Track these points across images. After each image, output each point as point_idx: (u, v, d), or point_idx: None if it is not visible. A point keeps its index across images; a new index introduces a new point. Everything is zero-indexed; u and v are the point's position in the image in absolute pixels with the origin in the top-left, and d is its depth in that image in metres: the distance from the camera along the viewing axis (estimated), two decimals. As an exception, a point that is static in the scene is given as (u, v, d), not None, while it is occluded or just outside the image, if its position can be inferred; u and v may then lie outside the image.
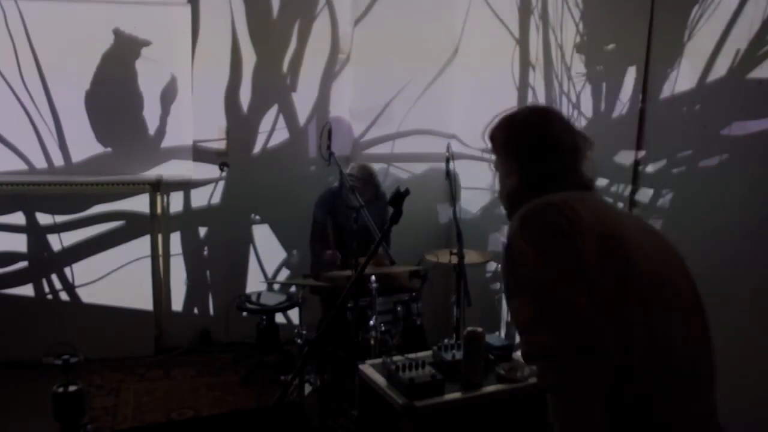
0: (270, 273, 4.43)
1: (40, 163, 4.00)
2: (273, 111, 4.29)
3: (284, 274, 4.46)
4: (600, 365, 1.21)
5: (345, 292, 2.26)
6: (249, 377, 3.87)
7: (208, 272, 4.39)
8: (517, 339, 1.31)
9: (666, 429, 1.27)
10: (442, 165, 3.47)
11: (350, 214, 3.35)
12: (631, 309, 1.25)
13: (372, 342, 3.07)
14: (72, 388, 2.91)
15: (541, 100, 3.58)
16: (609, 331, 1.22)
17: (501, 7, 3.95)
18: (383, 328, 3.18)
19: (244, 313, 3.99)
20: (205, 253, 4.35)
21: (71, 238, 4.04)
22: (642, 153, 2.78)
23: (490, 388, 2.33)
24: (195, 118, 4.16)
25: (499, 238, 4.03)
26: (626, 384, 1.23)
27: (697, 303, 1.41)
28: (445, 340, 2.59)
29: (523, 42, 3.76)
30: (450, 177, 3.38)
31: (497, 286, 4.09)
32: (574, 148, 1.49)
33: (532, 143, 1.50)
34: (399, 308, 3.36)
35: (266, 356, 3.94)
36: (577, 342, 1.21)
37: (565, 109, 3.31)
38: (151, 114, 4.12)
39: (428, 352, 2.59)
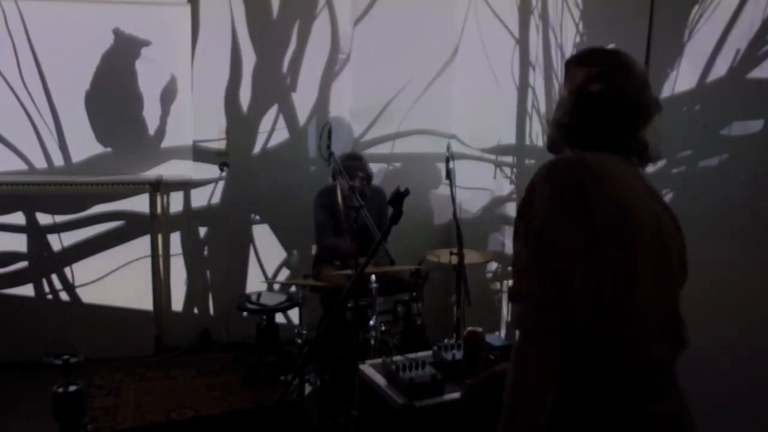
0: (270, 273, 4.43)
1: (40, 163, 4.01)
2: (273, 111, 4.29)
3: (284, 274, 4.46)
4: (567, 322, 1.28)
5: (345, 292, 2.26)
6: (249, 377, 3.87)
7: (208, 272, 4.39)
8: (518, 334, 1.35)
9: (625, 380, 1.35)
10: (442, 165, 3.46)
11: (350, 214, 3.35)
12: (623, 279, 1.31)
13: (372, 342, 3.07)
14: (72, 388, 2.92)
15: (541, 100, 3.58)
16: (590, 292, 1.28)
17: (501, 7, 3.95)
18: (383, 328, 3.18)
19: (244, 313, 3.99)
20: (205, 253, 4.35)
21: (71, 238, 4.04)
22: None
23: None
24: (195, 118, 4.16)
25: (499, 238, 4.03)
26: (590, 340, 1.31)
27: (682, 276, 1.47)
28: (445, 340, 2.59)
29: (523, 42, 3.76)
30: (450, 177, 3.38)
31: (497, 286, 4.09)
32: (644, 113, 1.45)
33: (606, 96, 1.44)
34: (399, 308, 3.36)
35: (266, 356, 3.94)
36: (557, 297, 1.28)
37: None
38: (151, 114, 4.12)
39: (428, 352, 2.59)
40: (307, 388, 3.27)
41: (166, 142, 4.17)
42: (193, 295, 4.35)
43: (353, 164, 3.73)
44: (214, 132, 4.20)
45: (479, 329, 2.37)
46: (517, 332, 1.34)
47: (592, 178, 1.32)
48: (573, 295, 1.28)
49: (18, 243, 3.99)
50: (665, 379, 1.42)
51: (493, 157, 4.07)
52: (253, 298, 4.00)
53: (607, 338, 1.32)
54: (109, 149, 4.09)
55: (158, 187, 4.13)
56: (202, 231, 4.32)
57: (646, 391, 1.37)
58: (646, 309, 1.35)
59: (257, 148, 4.30)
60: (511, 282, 1.40)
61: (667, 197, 2.66)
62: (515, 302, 1.35)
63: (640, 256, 1.33)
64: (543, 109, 3.56)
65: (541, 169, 1.37)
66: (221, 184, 4.27)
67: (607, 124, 1.44)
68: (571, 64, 1.55)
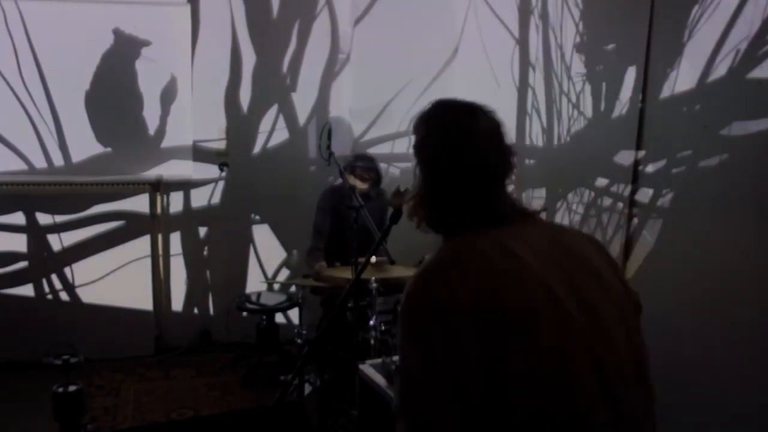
0: (270, 273, 4.43)
1: (40, 163, 4.00)
2: (273, 111, 4.29)
3: (284, 274, 4.46)
4: None
5: (345, 292, 2.26)
6: (249, 377, 3.87)
7: (208, 272, 4.39)
8: None
9: None
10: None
11: (350, 214, 3.35)
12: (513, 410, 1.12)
13: (372, 342, 3.07)
14: (72, 388, 2.92)
15: (541, 100, 3.58)
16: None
17: (501, 7, 3.95)
18: (383, 328, 3.18)
19: (244, 313, 3.99)
20: (205, 253, 4.35)
21: (71, 238, 4.04)
22: (642, 153, 2.78)
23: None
24: (195, 118, 4.16)
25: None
26: None
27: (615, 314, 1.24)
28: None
29: (523, 42, 3.76)
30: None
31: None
32: (502, 167, 1.29)
33: (450, 159, 1.26)
34: (399, 308, 3.35)
35: (266, 356, 3.94)
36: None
37: (565, 109, 3.31)
38: (151, 114, 4.12)
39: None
40: (307, 388, 3.26)
41: (166, 142, 4.17)
42: (193, 295, 4.35)
43: (365, 164, 3.70)
44: (214, 132, 4.20)
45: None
46: None
47: (445, 287, 1.16)
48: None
49: (18, 243, 3.99)
50: None
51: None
52: (253, 298, 4.00)
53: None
54: (109, 149, 4.09)
55: (158, 187, 4.13)
56: (202, 231, 4.32)
57: None
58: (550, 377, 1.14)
59: (257, 148, 4.30)
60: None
61: (668, 197, 2.66)
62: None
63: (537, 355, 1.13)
64: (543, 109, 3.56)
65: (407, 292, 1.23)
66: (221, 184, 4.27)
67: (456, 187, 1.27)
68: (414, 127, 1.37)
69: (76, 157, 4.05)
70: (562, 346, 1.15)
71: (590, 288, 1.23)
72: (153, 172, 4.15)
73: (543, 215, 1.35)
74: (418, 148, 1.33)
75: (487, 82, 4.07)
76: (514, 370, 1.12)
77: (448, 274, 1.19)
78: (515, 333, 1.13)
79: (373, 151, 4.42)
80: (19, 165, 3.98)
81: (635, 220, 2.78)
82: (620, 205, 2.86)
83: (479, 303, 1.13)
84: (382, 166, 4.41)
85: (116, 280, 4.10)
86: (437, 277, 1.20)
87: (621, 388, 1.19)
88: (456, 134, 1.29)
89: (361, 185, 3.64)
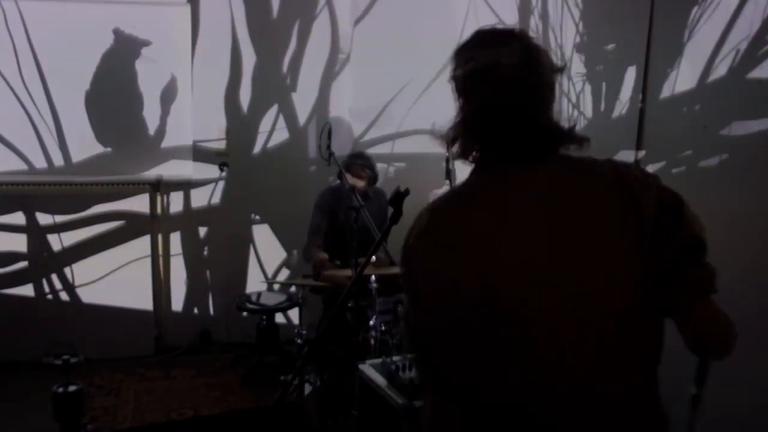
0: (270, 273, 4.43)
1: (40, 163, 4.00)
2: (273, 111, 4.29)
3: (284, 274, 4.46)
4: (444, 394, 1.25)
5: (345, 292, 2.26)
6: (249, 377, 3.87)
7: (208, 272, 4.39)
8: None
9: None
10: (442, 165, 3.46)
11: (350, 214, 3.35)
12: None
13: (372, 342, 3.07)
14: (72, 388, 2.91)
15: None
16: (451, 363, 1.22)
17: (501, 7, 3.95)
18: (383, 328, 3.18)
19: (244, 313, 3.99)
20: (205, 253, 4.35)
21: (71, 238, 4.04)
22: (642, 153, 2.78)
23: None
24: (195, 118, 4.16)
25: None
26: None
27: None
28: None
29: (523, 42, 3.76)
30: (450, 177, 3.37)
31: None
32: (530, 101, 1.25)
33: (472, 93, 1.26)
34: (399, 308, 3.35)
35: (266, 356, 3.94)
36: (423, 373, 1.30)
37: (565, 109, 3.31)
38: (151, 114, 4.12)
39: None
40: (307, 388, 3.27)
41: (166, 142, 4.17)
42: (193, 295, 4.35)
43: (360, 162, 3.72)
44: (214, 132, 4.20)
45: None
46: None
47: (419, 226, 1.26)
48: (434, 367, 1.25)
49: (18, 243, 3.99)
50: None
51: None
52: (253, 298, 4.00)
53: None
54: (109, 149, 4.09)
55: (158, 187, 4.13)
56: (202, 231, 4.32)
57: None
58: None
59: (257, 148, 4.30)
60: None
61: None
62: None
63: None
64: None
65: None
66: (221, 184, 4.27)
67: (479, 117, 1.26)
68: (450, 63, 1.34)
69: (76, 157, 4.05)
70: (524, 297, 1.14)
71: (573, 255, 1.16)
72: (153, 172, 4.15)
73: (583, 146, 1.28)
74: (451, 77, 1.35)
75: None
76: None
77: (422, 221, 1.26)
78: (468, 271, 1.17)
79: (373, 151, 4.41)
80: (19, 165, 3.98)
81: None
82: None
83: (438, 248, 1.21)
84: (383, 166, 4.43)
85: (116, 280, 4.10)
86: (415, 223, 1.29)
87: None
88: (476, 68, 1.26)
89: (357, 182, 3.64)
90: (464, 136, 1.28)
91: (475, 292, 1.16)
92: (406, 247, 1.28)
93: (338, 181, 3.75)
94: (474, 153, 1.28)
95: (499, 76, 1.23)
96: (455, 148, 1.31)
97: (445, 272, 1.20)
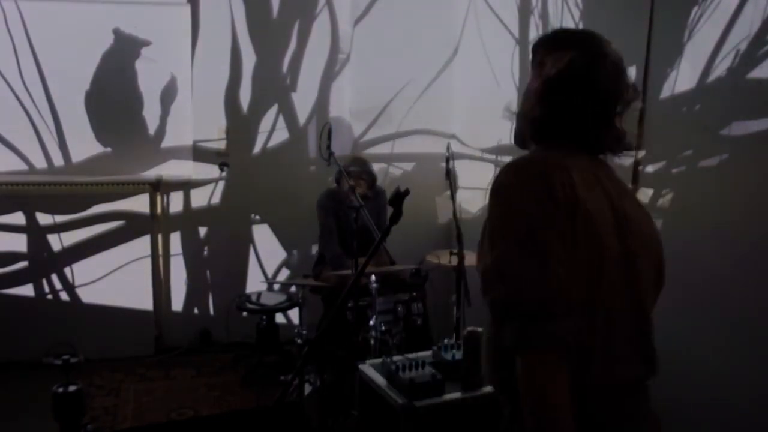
0: (270, 273, 4.43)
1: (40, 163, 4.00)
2: (273, 111, 4.29)
3: (284, 274, 4.46)
4: (563, 327, 1.17)
5: (345, 292, 2.26)
6: (249, 377, 3.87)
7: (208, 272, 4.39)
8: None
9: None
10: (442, 165, 3.47)
11: (350, 214, 3.35)
12: (587, 283, 1.24)
13: (372, 342, 3.07)
14: (72, 388, 2.91)
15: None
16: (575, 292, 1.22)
17: (501, 7, 3.95)
18: (383, 328, 3.18)
19: (244, 313, 3.99)
20: (205, 253, 4.35)
21: (71, 238, 4.04)
22: (642, 153, 2.78)
23: (490, 388, 2.33)
24: (195, 118, 4.16)
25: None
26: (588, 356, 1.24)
27: (655, 286, 1.39)
28: (445, 340, 2.59)
29: (523, 42, 3.76)
30: (450, 177, 3.38)
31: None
32: (618, 101, 1.35)
33: (576, 83, 1.32)
34: (399, 308, 3.36)
35: (266, 356, 3.94)
36: (557, 300, 1.18)
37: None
38: (151, 114, 4.12)
39: (428, 352, 2.59)
40: (307, 388, 3.27)
41: (166, 142, 4.17)
42: (193, 295, 4.35)
43: (357, 169, 3.71)
44: (214, 132, 4.20)
45: (479, 329, 2.37)
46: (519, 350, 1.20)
47: (560, 179, 1.24)
48: (569, 296, 1.18)
49: (18, 243, 3.99)
50: (630, 404, 1.30)
51: (493, 157, 4.07)
52: (253, 298, 4.00)
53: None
54: (109, 149, 4.09)
55: (158, 187, 4.13)
56: (202, 231, 4.32)
57: (607, 414, 1.25)
58: (608, 318, 1.25)
59: (257, 148, 4.30)
60: (487, 291, 1.27)
61: (668, 197, 2.67)
62: (509, 315, 1.20)
63: (606, 262, 1.24)
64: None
65: (507, 169, 1.28)
66: (221, 184, 4.27)
67: (577, 115, 1.34)
68: (539, 48, 1.42)
69: (76, 157, 4.05)
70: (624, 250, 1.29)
71: (636, 243, 1.32)
72: (153, 172, 4.15)
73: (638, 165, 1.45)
74: (538, 66, 1.39)
75: (487, 82, 4.08)
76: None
77: (548, 161, 1.30)
78: (593, 239, 1.24)
79: (373, 151, 4.42)
80: (19, 165, 3.98)
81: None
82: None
83: (564, 197, 1.23)
84: (382, 166, 4.44)
85: (116, 280, 4.09)
86: (543, 162, 1.31)
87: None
88: (592, 54, 1.34)
89: (362, 191, 3.65)
90: (553, 116, 1.35)
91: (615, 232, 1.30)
92: (562, 172, 1.27)
93: (337, 186, 3.77)
94: (538, 134, 1.39)
95: (600, 66, 1.33)
96: (527, 121, 1.39)
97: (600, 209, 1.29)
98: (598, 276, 1.24)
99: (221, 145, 4.22)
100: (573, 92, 1.32)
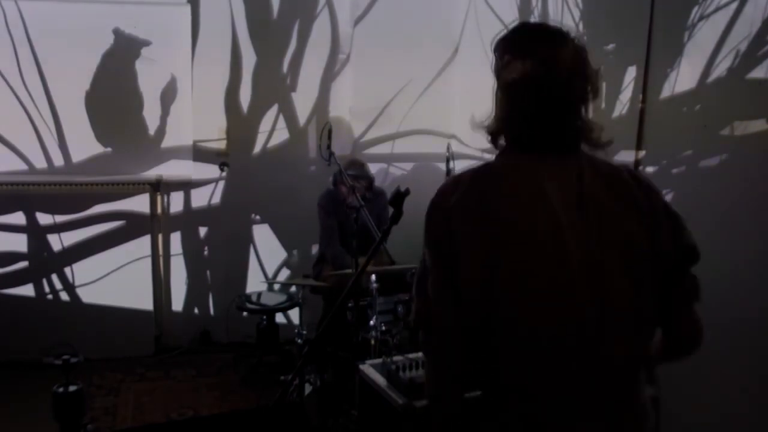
0: (270, 273, 4.43)
1: (40, 163, 4.00)
2: (273, 111, 4.29)
3: (284, 274, 4.46)
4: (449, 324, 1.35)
5: (345, 292, 2.26)
6: (249, 377, 3.87)
7: (208, 272, 4.39)
8: None
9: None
10: (442, 165, 3.46)
11: (350, 214, 3.35)
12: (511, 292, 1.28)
13: (372, 342, 3.07)
14: (72, 388, 2.91)
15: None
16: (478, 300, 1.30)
17: (501, 7, 3.95)
18: (383, 328, 3.18)
19: (244, 313, 3.99)
20: (205, 253, 4.35)
21: (71, 238, 4.04)
22: (642, 153, 2.78)
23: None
24: (195, 118, 4.16)
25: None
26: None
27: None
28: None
29: (523, 42, 3.76)
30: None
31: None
32: (577, 100, 1.31)
33: (527, 87, 1.30)
34: (399, 308, 3.36)
35: (266, 356, 3.94)
36: (425, 317, 1.40)
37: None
38: (151, 114, 4.12)
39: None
40: (307, 388, 3.27)
41: (166, 142, 4.17)
42: (193, 295, 4.35)
43: (353, 174, 3.67)
44: (214, 132, 4.20)
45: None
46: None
47: (435, 219, 1.38)
48: (448, 305, 1.33)
49: (18, 243, 3.99)
50: (584, 403, 1.28)
51: (492, 157, 4.07)
52: (253, 298, 4.01)
53: (505, 353, 1.30)
54: (109, 149, 4.09)
55: (158, 187, 4.13)
56: (202, 231, 4.32)
57: (548, 413, 1.28)
58: (536, 328, 1.26)
59: (257, 148, 4.30)
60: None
61: (668, 197, 2.66)
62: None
63: (526, 270, 1.26)
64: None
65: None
66: (221, 184, 4.27)
67: (530, 122, 1.31)
68: (496, 51, 1.40)
69: (76, 157, 4.05)
70: (555, 276, 1.26)
71: (597, 236, 1.27)
72: (153, 172, 4.15)
73: (605, 150, 1.38)
74: (496, 71, 1.39)
75: (487, 82, 4.06)
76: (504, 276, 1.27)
77: (449, 184, 1.40)
78: (507, 247, 1.27)
79: (373, 151, 4.42)
80: (19, 165, 3.98)
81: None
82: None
83: (468, 212, 1.32)
84: (383, 166, 4.44)
85: (116, 280, 4.09)
86: (441, 187, 1.41)
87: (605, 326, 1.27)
88: (547, 66, 1.30)
89: (360, 194, 3.64)
90: (511, 124, 1.37)
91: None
92: (443, 208, 1.36)
93: (334, 187, 3.76)
94: (504, 138, 1.40)
95: (555, 74, 1.29)
96: (500, 139, 1.42)
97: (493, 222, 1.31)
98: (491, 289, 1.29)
99: (221, 145, 4.22)
100: (525, 101, 1.32)
